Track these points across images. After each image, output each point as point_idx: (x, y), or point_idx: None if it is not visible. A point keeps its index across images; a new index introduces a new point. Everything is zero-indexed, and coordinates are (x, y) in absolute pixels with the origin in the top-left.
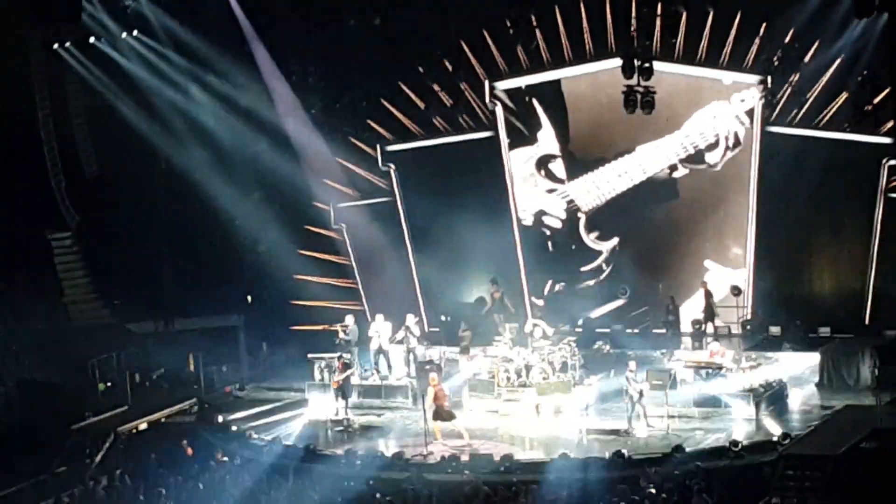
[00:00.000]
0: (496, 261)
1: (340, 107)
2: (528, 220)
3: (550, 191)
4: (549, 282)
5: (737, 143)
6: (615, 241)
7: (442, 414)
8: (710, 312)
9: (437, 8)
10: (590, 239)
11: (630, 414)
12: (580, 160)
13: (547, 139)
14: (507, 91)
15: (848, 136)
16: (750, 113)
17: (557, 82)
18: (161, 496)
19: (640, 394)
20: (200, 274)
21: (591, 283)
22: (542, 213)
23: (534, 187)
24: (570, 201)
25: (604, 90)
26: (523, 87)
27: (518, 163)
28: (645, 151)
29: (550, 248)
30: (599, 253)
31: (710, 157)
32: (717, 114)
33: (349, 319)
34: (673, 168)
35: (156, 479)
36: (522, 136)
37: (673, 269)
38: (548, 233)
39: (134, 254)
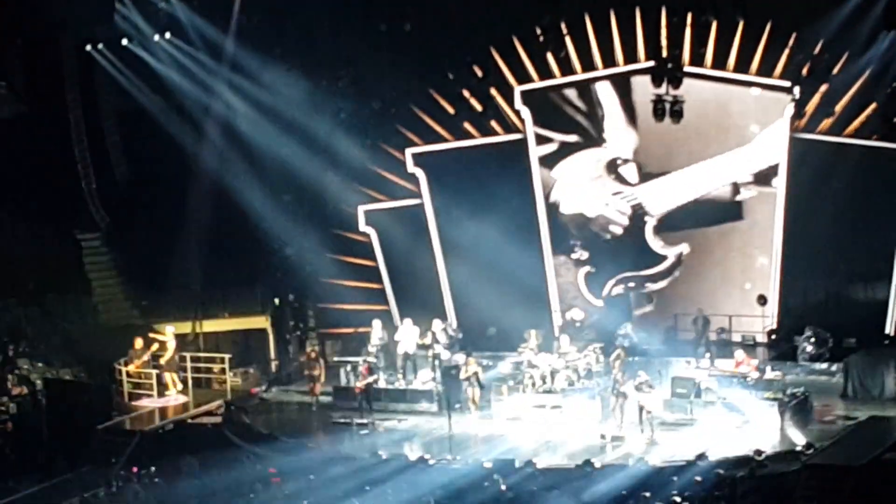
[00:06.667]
0: (524, 265)
1: (370, 112)
2: (593, 220)
3: (616, 193)
4: (610, 283)
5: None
6: (683, 246)
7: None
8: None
9: (468, 14)
10: (656, 243)
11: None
12: (648, 167)
13: (617, 142)
14: (564, 96)
15: (876, 143)
16: None
17: (629, 87)
18: (186, 496)
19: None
20: (229, 276)
21: (655, 286)
22: (606, 214)
23: (601, 189)
24: (638, 205)
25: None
26: (594, 91)
27: (588, 163)
28: (709, 165)
29: (612, 251)
30: (665, 258)
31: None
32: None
33: (376, 324)
34: (736, 189)
35: (181, 480)
36: (591, 137)
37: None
38: (610, 235)
39: (163, 255)
